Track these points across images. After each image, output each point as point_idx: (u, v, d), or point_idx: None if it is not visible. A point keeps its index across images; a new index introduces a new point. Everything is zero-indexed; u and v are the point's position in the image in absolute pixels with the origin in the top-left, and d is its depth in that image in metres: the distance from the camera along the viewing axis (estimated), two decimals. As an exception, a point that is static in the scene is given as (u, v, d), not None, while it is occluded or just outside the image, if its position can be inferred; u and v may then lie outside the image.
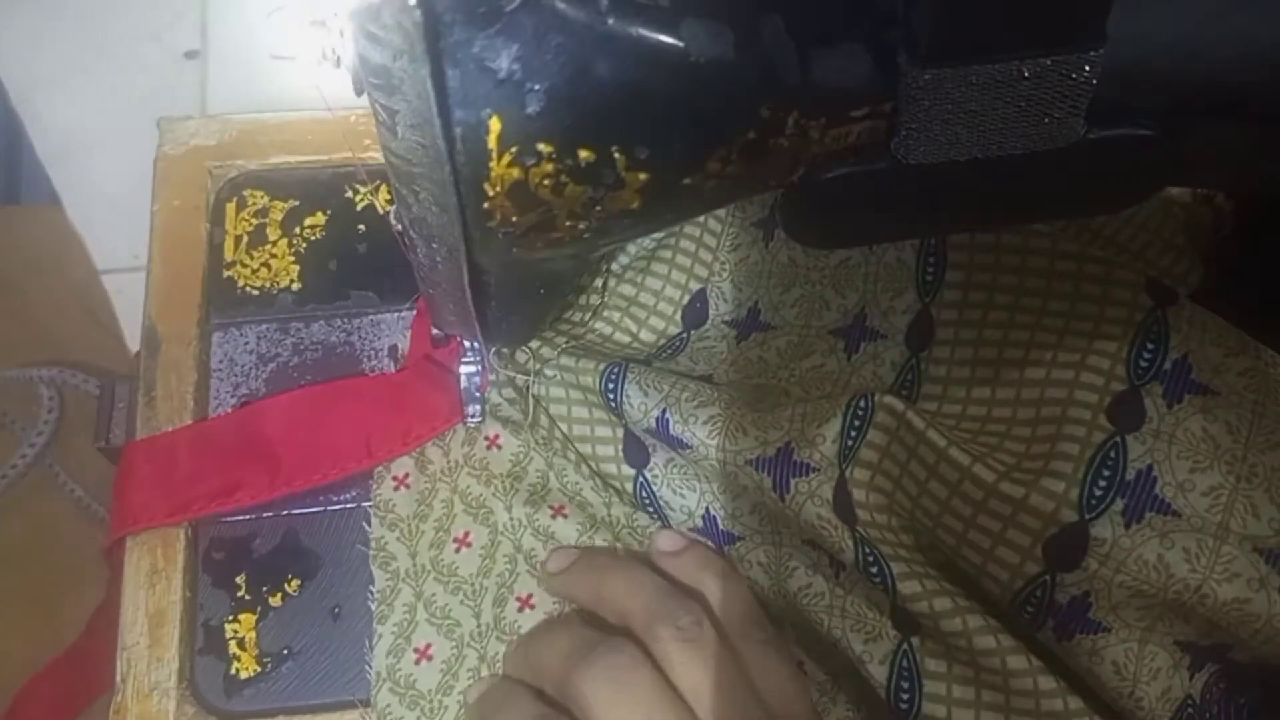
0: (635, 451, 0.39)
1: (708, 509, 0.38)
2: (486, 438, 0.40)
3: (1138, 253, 0.36)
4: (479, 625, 0.38)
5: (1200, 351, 0.32)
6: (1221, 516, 0.30)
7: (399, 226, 0.26)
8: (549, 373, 0.39)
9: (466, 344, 0.39)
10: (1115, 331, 0.33)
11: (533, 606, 0.38)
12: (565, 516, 0.39)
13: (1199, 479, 0.31)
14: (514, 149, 0.24)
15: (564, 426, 0.39)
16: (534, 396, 0.40)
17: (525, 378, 0.40)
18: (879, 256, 0.38)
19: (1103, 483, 0.31)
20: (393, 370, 0.42)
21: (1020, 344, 0.34)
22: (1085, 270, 0.33)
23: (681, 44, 0.24)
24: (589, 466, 0.40)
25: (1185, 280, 0.36)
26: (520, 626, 0.38)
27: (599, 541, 0.39)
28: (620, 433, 0.39)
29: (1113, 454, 0.31)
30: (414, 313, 0.43)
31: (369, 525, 0.40)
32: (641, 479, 0.38)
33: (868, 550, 0.32)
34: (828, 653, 0.36)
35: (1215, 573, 0.30)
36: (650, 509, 0.38)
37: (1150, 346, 0.32)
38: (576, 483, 0.40)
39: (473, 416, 0.40)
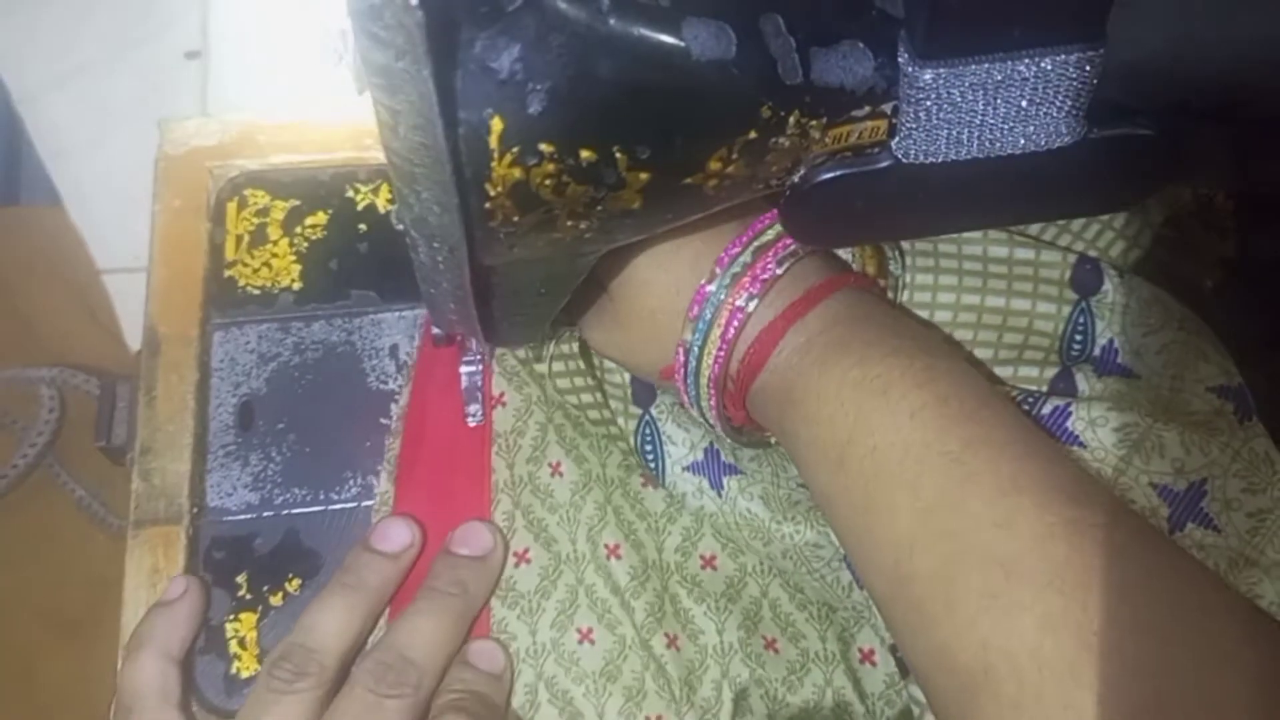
0: (642, 391, 0.39)
1: (711, 444, 0.38)
2: (492, 397, 0.41)
3: (1077, 234, 0.37)
4: None
5: (1123, 335, 0.34)
6: (1126, 452, 0.31)
7: (400, 226, 0.26)
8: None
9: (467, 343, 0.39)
10: (1046, 328, 0.35)
11: (529, 561, 0.38)
12: (561, 474, 0.39)
13: (1114, 416, 0.32)
14: (515, 149, 0.24)
15: (574, 364, 0.40)
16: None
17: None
18: None
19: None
20: (394, 369, 0.42)
21: (964, 343, 0.35)
22: (1015, 272, 0.35)
23: (682, 44, 0.24)
24: (588, 421, 0.40)
25: (1127, 255, 0.37)
26: (515, 582, 0.38)
27: (590, 502, 0.39)
28: (628, 376, 0.39)
29: (1032, 399, 0.32)
30: (419, 313, 0.43)
31: (376, 480, 0.40)
32: (647, 417, 0.39)
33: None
34: (822, 595, 0.37)
35: None
36: (650, 449, 0.39)
37: (1078, 339, 0.35)
38: (574, 439, 0.40)
39: (472, 416, 0.40)
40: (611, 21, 0.23)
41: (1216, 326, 0.34)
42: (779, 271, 0.31)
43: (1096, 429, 0.31)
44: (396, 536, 0.38)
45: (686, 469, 0.38)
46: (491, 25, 0.23)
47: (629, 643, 0.37)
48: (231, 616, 0.39)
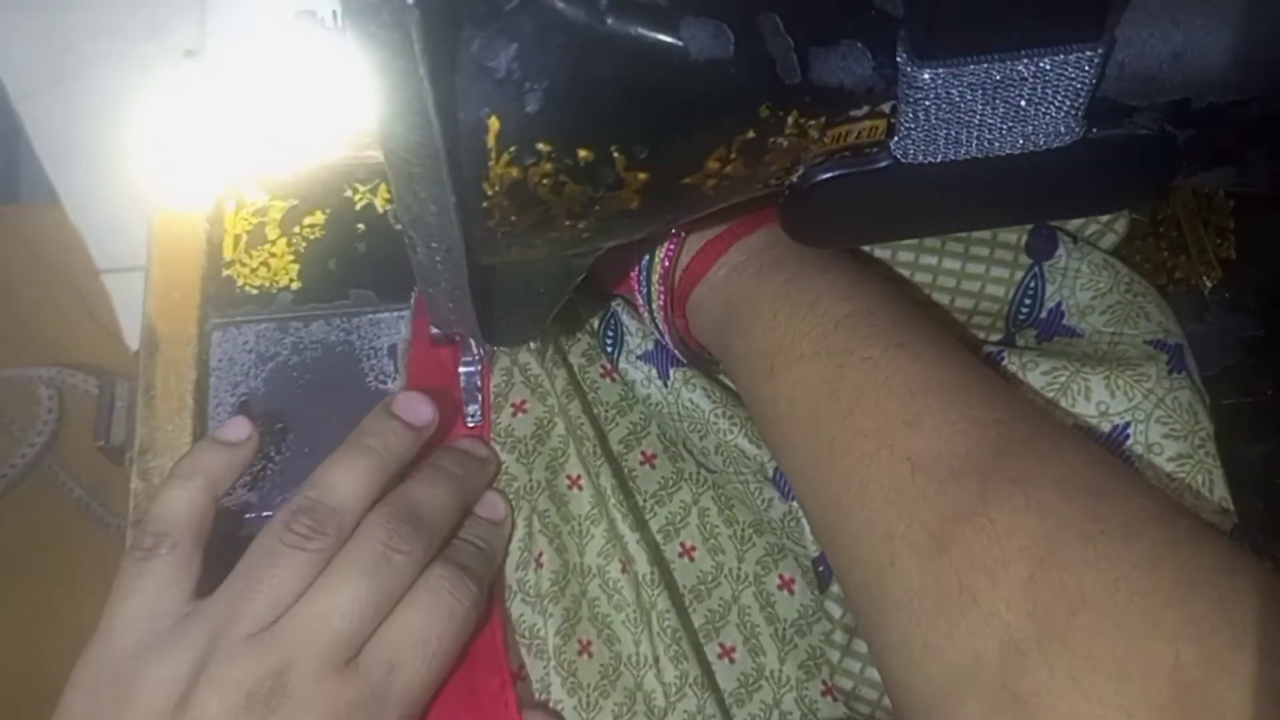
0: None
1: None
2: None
3: None
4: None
5: (1071, 298, 0.35)
6: (1054, 395, 0.33)
7: (398, 226, 0.26)
8: None
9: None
10: (998, 293, 0.37)
11: (525, 411, 0.39)
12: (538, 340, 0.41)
13: (1044, 361, 0.33)
14: (513, 148, 0.24)
15: None
16: None
17: None
18: None
19: None
20: (392, 369, 0.42)
21: (920, 303, 0.37)
22: (974, 237, 0.37)
23: (681, 43, 0.24)
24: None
25: (1101, 239, 0.38)
26: (513, 428, 0.39)
27: (563, 370, 0.40)
28: None
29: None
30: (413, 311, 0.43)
31: None
32: (612, 311, 0.40)
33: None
34: (748, 510, 0.38)
35: None
36: (610, 335, 0.40)
37: (1027, 303, 0.36)
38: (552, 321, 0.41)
39: (471, 417, 0.40)
40: (609, 21, 0.23)
41: (1217, 326, 0.34)
42: None
43: (1027, 372, 0.33)
44: (420, 411, 0.37)
45: (639, 358, 0.39)
46: (489, 24, 0.23)
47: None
48: (230, 616, 0.38)
